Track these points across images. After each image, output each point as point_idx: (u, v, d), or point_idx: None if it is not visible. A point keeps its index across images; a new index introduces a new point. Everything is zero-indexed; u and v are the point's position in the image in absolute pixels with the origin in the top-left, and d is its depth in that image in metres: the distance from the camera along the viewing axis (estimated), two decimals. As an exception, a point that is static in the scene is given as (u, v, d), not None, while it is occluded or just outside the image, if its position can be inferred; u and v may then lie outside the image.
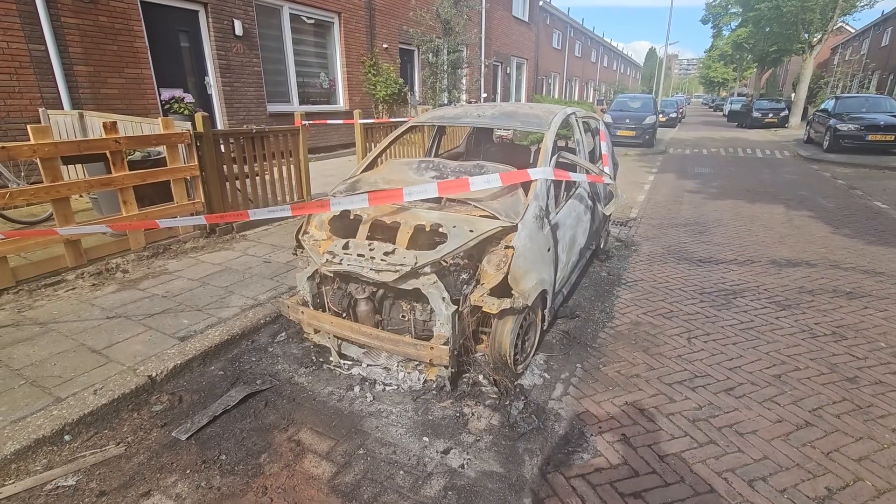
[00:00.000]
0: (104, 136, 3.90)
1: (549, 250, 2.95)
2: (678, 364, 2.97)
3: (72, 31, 5.99)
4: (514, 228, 2.65)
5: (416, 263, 2.49)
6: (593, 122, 4.65)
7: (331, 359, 2.93)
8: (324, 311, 2.92)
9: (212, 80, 7.96)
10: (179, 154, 4.52)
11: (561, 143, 5.14)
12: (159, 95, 6.82)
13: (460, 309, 2.61)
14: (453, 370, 2.65)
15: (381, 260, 2.55)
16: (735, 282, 4.33)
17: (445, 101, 11.79)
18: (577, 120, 3.97)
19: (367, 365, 2.85)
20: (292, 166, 5.85)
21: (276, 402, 2.55)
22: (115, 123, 3.98)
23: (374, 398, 2.59)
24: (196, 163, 4.62)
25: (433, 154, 4.64)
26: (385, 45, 12.01)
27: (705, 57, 57.25)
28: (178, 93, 6.12)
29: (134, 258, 4.24)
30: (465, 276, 2.62)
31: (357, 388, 2.67)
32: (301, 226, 2.99)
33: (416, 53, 13.29)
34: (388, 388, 2.67)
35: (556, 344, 3.23)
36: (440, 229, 2.67)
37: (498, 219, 2.68)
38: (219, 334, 3.10)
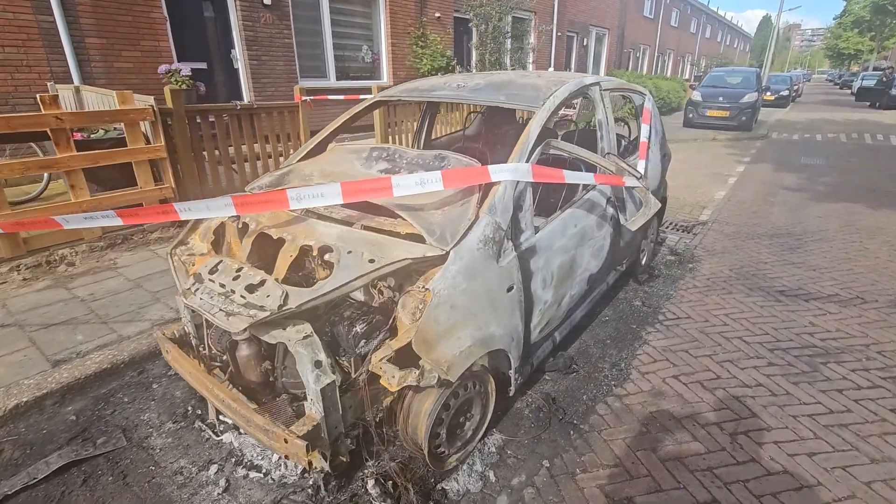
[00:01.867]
0: (43, 111, 3.45)
1: (510, 290, 1.97)
2: (705, 487, 1.87)
3: (82, 1, 5.74)
4: (441, 259, 1.72)
5: (280, 306, 1.66)
6: (637, 98, 3.44)
7: (208, 415, 2.21)
8: (205, 349, 2.20)
9: (238, 53, 7.53)
10: (141, 133, 4.01)
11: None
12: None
13: (356, 375, 1.77)
14: (346, 460, 1.81)
15: (241, 297, 1.75)
16: (831, 333, 2.98)
17: None
18: (601, 94, 2.84)
19: (243, 433, 2.10)
20: (291, 148, 5.21)
21: (98, 480, 1.88)
22: (55, 97, 3.52)
23: (226, 488, 1.83)
24: (162, 143, 4.10)
25: (422, 138, 3.72)
26: (437, 15, 10.98)
27: (834, 25, 48.90)
28: (176, 65, 5.69)
29: (86, 249, 3.83)
30: (359, 327, 1.75)
31: (214, 469, 1.92)
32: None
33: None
34: (251, 475, 1.90)
35: (527, 416, 2.25)
36: (327, 256, 1.81)
37: (425, 241, 1.77)
38: (100, 361, 2.50)
